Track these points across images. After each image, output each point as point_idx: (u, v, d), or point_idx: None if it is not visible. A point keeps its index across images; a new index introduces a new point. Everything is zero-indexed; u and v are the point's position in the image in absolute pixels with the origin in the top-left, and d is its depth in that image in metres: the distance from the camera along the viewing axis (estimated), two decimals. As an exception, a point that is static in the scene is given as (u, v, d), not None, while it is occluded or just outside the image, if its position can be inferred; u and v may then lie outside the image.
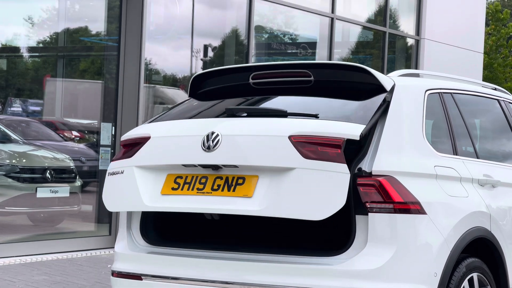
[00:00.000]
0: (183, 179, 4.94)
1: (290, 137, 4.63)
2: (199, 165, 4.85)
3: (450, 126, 5.53)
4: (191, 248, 5.10)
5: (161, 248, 5.20)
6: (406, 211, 4.67)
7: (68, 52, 11.54)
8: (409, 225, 4.68)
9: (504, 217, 5.58)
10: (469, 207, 5.19)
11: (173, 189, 4.95)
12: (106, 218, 10.36)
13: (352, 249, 4.62)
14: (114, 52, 10.51)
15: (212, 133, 4.84)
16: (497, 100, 6.43)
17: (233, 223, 5.78)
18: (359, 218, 4.63)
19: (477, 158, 5.70)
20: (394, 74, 5.43)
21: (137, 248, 5.24)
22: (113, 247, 5.53)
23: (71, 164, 10.41)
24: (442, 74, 6.25)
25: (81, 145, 11.33)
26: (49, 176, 10.02)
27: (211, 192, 4.81)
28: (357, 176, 4.66)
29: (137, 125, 9.71)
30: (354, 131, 4.62)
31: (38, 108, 11.17)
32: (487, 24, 30.70)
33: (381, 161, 4.70)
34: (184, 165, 4.93)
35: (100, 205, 10.49)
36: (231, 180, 4.78)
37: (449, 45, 16.17)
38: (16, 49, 10.91)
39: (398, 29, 15.70)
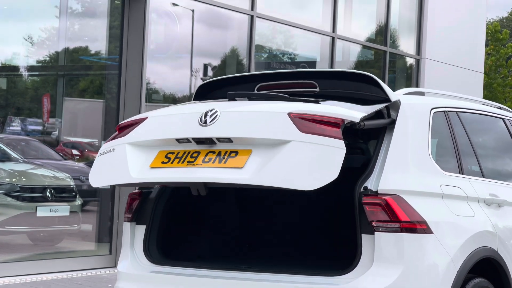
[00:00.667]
0: (174, 154, 4.84)
1: (289, 114, 4.59)
2: (193, 139, 4.77)
3: (455, 144, 5.49)
4: (194, 267, 5.04)
5: (164, 267, 5.13)
6: (413, 230, 4.63)
7: (68, 71, 11.51)
8: (415, 245, 4.64)
9: (511, 237, 5.53)
10: (475, 227, 5.14)
11: (163, 162, 4.85)
12: (106, 237, 10.29)
13: (358, 269, 4.56)
14: (115, 71, 10.48)
15: (211, 109, 4.79)
16: (502, 119, 6.39)
17: (235, 238, 5.71)
18: (365, 238, 4.58)
19: (483, 177, 5.66)
20: (399, 92, 5.37)
21: (140, 267, 5.18)
22: (114, 267, 5.48)
23: (71, 183, 10.36)
24: (447, 93, 6.22)
25: (81, 164, 11.28)
26: (49, 195, 9.97)
27: (201, 164, 4.70)
28: (363, 195, 4.62)
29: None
30: (354, 114, 4.60)
31: (38, 127, 11.11)
32: (486, 44, 30.71)
33: (387, 180, 4.66)
34: (178, 140, 4.84)
35: (100, 224, 10.43)
36: (223, 153, 4.68)
37: (449, 64, 16.17)
38: (16, 68, 10.88)
39: (399, 48, 15.70)
